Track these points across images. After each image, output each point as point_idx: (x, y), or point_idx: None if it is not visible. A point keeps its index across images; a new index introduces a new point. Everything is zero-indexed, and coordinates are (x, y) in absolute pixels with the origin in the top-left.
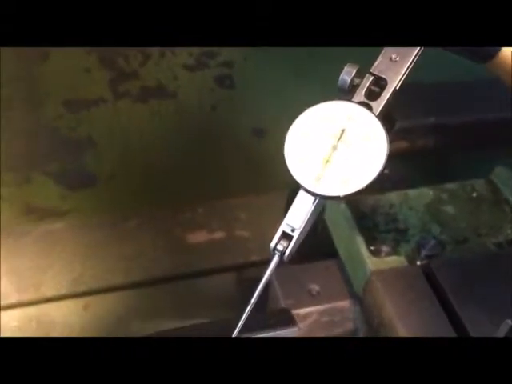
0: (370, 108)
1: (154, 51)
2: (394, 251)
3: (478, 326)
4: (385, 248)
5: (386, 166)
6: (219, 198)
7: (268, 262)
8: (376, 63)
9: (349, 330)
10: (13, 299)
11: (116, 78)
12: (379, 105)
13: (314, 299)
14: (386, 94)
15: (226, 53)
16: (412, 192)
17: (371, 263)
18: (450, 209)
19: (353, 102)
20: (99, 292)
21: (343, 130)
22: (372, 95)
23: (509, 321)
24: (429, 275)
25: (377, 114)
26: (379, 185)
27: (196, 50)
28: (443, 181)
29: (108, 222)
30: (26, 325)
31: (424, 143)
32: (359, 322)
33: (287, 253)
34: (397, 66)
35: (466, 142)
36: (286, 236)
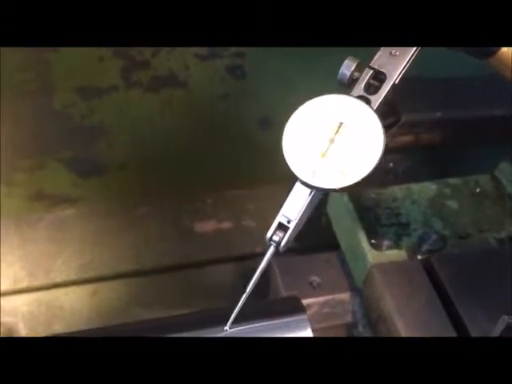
0: (368, 102)
1: None
2: (396, 245)
3: (476, 322)
4: (386, 241)
5: (383, 160)
6: (227, 187)
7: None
8: (376, 57)
9: (348, 321)
10: (24, 284)
11: (128, 67)
12: (378, 99)
13: (314, 291)
14: (385, 88)
15: None
16: (415, 186)
17: (372, 256)
18: (452, 204)
19: (351, 95)
20: (107, 279)
21: (341, 124)
22: (371, 89)
23: (506, 317)
24: (429, 270)
25: (375, 108)
26: (383, 178)
27: None
28: (448, 175)
29: (118, 210)
30: (36, 309)
31: (430, 137)
32: (359, 315)
33: (283, 243)
34: (396, 60)
35: (471, 136)
36: (282, 227)
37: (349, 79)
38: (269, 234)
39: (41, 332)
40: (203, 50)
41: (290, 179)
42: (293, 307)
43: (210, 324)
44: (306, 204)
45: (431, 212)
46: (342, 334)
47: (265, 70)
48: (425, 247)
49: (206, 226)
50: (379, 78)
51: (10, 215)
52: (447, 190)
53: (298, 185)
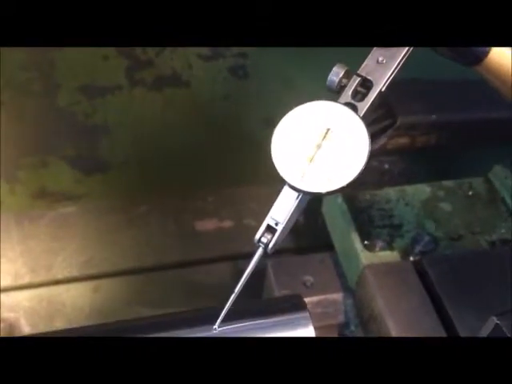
0: (355, 109)
1: None
2: (388, 246)
3: (466, 322)
4: (379, 243)
5: (366, 167)
6: (229, 186)
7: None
8: (363, 65)
9: (341, 322)
10: (25, 280)
11: (132, 66)
12: (364, 106)
13: (308, 291)
14: (372, 96)
15: None
16: (409, 188)
17: (364, 257)
18: (445, 206)
19: (338, 102)
20: (109, 275)
21: (328, 130)
22: (359, 96)
23: (494, 318)
24: (420, 271)
25: (361, 114)
26: (379, 179)
27: None
28: (444, 177)
29: (119, 208)
30: (37, 305)
31: (425, 140)
32: (351, 315)
33: (271, 245)
34: (383, 68)
35: (467, 139)
36: (270, 229)
37: (337, 86)
38: (257, 236)
39: (42, 328)
40: (206, 50)
41: None
42: (295, 305)
43: (200, 323)
44: (293, 207)
45: (424, 214)
46: (334, 333)
47: (267, 71)
48: (417, 248)
49: (208, 225)
50: (366, 85)
51: (12, 212)
52: (441, 193)
53: (286, 188)
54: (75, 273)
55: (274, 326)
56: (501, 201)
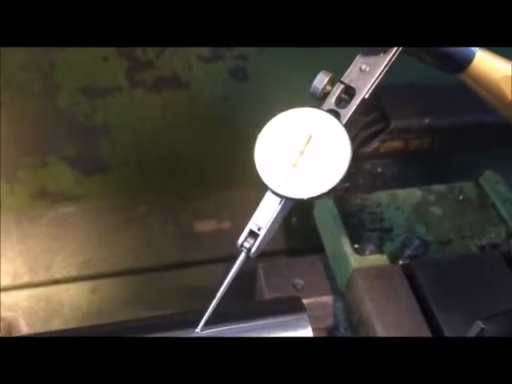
0: (338, 116)
1: None
2: (379, 250)
3: (453, 326)
4: (369, 246)
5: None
6: (228, 187)
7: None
8: (347, 72)
9: (330, 325)
10: (25, 279)
11: (132, 67)
12: (347, 113)
13: (298, 293)
14: (355, 103)
15: None
16: (400, 192)
17: (354, 261)
18: (436, 210)
19: (321, 109)
20: (107, 276)
21: (310, 136)
22: (342, 103)
23: (479, 322)
24: (409, 275)
25: (344, 122)
26: (372, 182)
27: None
28: (437, 181)
29: (119, 208)
30: (36, 305)
31: (418, 143)
32: (341, 317)
33: (253, 250)
34: (366, 76)
35: (460, 143)
36: (253, 234)
37: (321, 93)
38: (240, 241)
39: (40, 327)
40: (206, 52)
41: None
42: (293, 306)
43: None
44: (276, 212)
45: (415, 218)
46: (323, 335)
47: (267, 73)
48: (407, 252)
49: (207, 226)
50: (350, 92)
51: (12, 212)
52: (431, 197)
53: (268, 194)
54: (74, 273)
55: (273, 328)
56: (491, 205)
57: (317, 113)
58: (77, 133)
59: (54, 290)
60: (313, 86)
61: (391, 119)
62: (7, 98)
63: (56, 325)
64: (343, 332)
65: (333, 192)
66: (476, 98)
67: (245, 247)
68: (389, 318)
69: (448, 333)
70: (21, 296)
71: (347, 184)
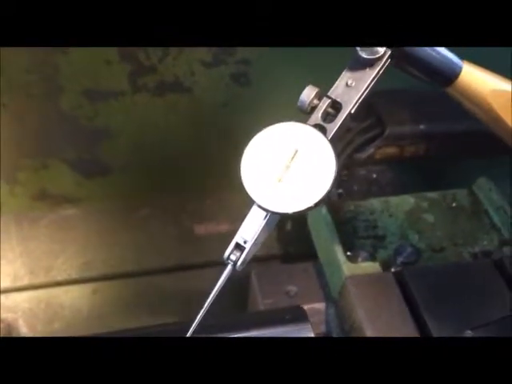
0: (324, 130)
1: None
2: (372, 257)
3: (444, 334)
4: (362, 254)
5: (333, 187)
6: (229, 191)
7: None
8: (333, 87)
9: (323, 331)
10: (25, 281)
11: (135, 72)
12: (333, 128)
13: (291, 300)
14: (341, 118)
15: (244, 50)
16: (393, 199)
17: (346, 268)
18: (429, 217)
19: (307, 124)
20: (108, 278)
21: (296, 151)
22: (329, 118)
23: (468, 331)
24: (401, 282)
25: (330, 136)
26: (367, 189)
27: (214, 47)
28: (433, 188)
29: (119, 211)
30: (36, 307)
31: (414, 150)
32: (333, 324)
33: (239, 263)
34: (352, 91)
35: (455, 149)
36: (239, 247)
37: (307, 107)
38: (226, 254)
39: (40, 329)
40: (209, 57)
41: None
42: (296, 316)
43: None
44: (261, 226)
45: (408, 225)
46: None
47: (269, 78)
48: (399, 260)
49: (207, 228)
50: (336, 107)
51: (12, 214)
52: (424, 204)
53: (254, 207)
54: (74, 275)
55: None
56: (484, 213)
57: (302, 127)
58: (78, 135)
59: (54, 292)
60: (300, 100)
61: (386, 125)
62: (9, 99)
63: (56, 327)
64: None
65: (318, 206)
66: None
67: (231, 260)
68: (380, 326)
69: None
70: (21, 298)
71: (341, 190)
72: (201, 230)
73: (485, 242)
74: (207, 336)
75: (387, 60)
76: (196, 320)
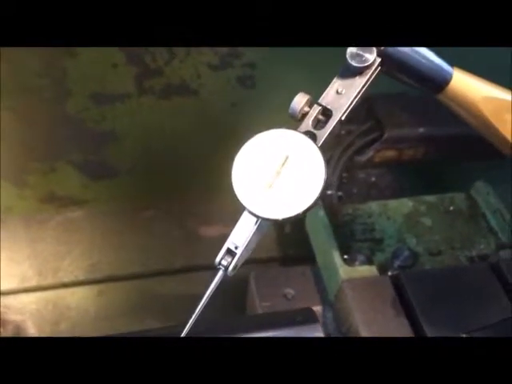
0: (314, 137)
1: (180, 50)
2: (369, 261)
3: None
4: (359, 257)
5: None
6: (234, 193)
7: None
8: (323, 95)
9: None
10: (33, 283)
11: (141, 75)
12: (323, 134)
13: (289, 303)
14: (331, 125)
15: (250, 54)
16: (392, 202)
17: (343, 271)
18: (426, 221)
19: (298, 131)
20: (114, 280)
21: (287, 157)
22: (319, 124)
23: (464, 335)
24: (398, 286)
25: (320, 143)
26: (366, 192)
27: (221, 50)
28: (431, 190)
29: (125, 213)
30: (44, 308)
31: (413, 153)
32: (331, 328)
33: (230, 268)
34: (342, 98)
35: (454, 153)
36: (230, 252)
37: (299, 114)
38: (218, 259)
39: (47, 331)
40: (215, 60)
41: None
42: (306, 318)
43: None
44: (252, 232)
45: (405, 228)
46: None
47: (275, 81)
48: (396, 263)
49: (212, 230)
50: (327, 114)
51: (21, 216)
52: (422, 207)
53: (245, 213)
54: (81, 276)
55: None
56: (481, 216)
57: (293, 134)
58: (85, 138)
59: (61, 294)
60: (291, 108)
61: (385, 129)
62: (18, 103)
63: (63, 328)
64: None
65: (308, 212)
66: None
67: (222, 265)
68: (376, 329)
69: None
70: (29, 299)
71: (341, 193)
72: (206, 232)
73: (482, 246)
74: (215, 336)
75: (377, 68)
76: (188, 323)
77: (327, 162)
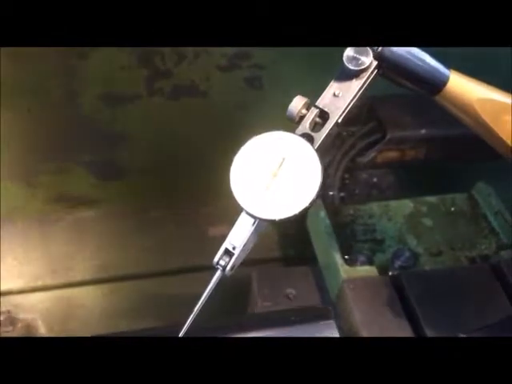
0: (311, 139)
1: (189, 52)
2: (370, 261)
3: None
4: (360, 257)
5: (318, 196)
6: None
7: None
8: (321, 97)
9: None
10: (43, 282)
11: (152, 76)
12: (320, 136)
13: (290, 303)
14: (328, 127)
15: (258, 55)
16: (393, 203)
17: (344, 272)
18: (427, 221)
19: (295, 134)
20: (123, 279)
21: (283, 159)
22: (317, 127)
23: (462, 335)
24: (398, 286)
25: (317, 145)
26: (368, 192)
27: (229, 52)
28: (433, 191)
29: (135, 213)
30: (54, 307)
31: (414, 154)
32: None
33: (228, 268)
34: (339, 101)
35: (456, 154)
36: (228, 252)
37: (296, 117)
38: (216, 259)
39: (58, 329)
40: (224, 61)
41: None
42: (320, 314)
43: None
44: (250, 232)
45: (406, 229)
46: None
47: (282, 82)
48: (397, 263)
49: (220, 230)
50: (324, 116)
51: (32, 216)
52: (423, 208)
53: (243, 214)
54: (91, 275)
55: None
56: (482, 217)
57: (290, 137)
58: (96, 139)
59: (71, 293)
60: (288, 111)
61: (387, 130)
62: (31, 104)
63: (73, 327)
64: None
65: (304, 213)
66: None
67: (220, 265)
68: (375, 329)
69: None
70: (39, 298)
71: (343, 194)
72: (214, 232)
73: (483, 247)
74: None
75: (373, 71)
76: (187, 323)
77: (329, 163)
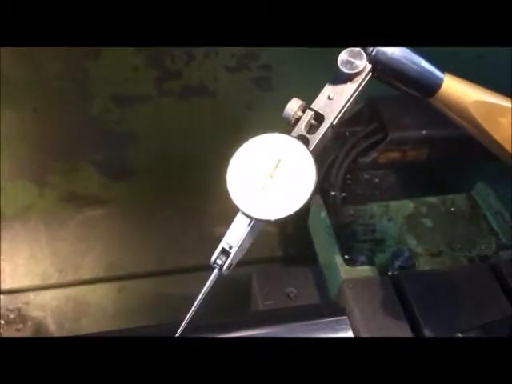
0: (306, 141)
1: (198, 52)
2: (369, 261)
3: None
4: (360, 257)
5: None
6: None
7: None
8: (316, 100)
9: None
10: (53, 280)
11: (161, 77)
12: (316, 138)
13: (291, 302)
14: (323, 129)
15: (267, 56)
16: (393, 203)
17: (343, 271)
18: (427, 222)
19: (290, 135)
20: (133, 277)
21: (279, 161)
22: (312, 129)
23: (459, 334)
24: (398, 286)
25: (312, 146)
26: (369, 193)
27: (238, 52)
28: (434, 192)
29: (144, 212)
30: (64, 305)
31: (416, 154)
32: None
33: (225, 267)
34: (333, 104)
35: (457, 154)
36: (225, 252)
37: (292, 119)
38: (213, 258)
39: (67, 327)
40: (232, 62)
41: None
42: (334, 310)
43: None
44: (246, 232)
45: (406, 229)
46: None
47: (290, 83)
48: (396, 264)
49: (226, 230)
50: (319, 119)
51: (42, 215)
52: (423, 208)
53: (239, 214)
54: (100, 274)
55: (314, 330)
56: (482, 217)
57: (285, 138)
58: (106, 139)
59: (81, 291)
60: (284, 113)
61: (389, 130)
62: (41, 104)
63: (83, 324)
64: None
65: (299, 213)
66: None
67: (217, 264)
68: (375, 329)
69: None
70: (49, 296)
71: (345, 194)
72: (221, 232)
73: (482, 247)
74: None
75: (368, 74)
76: (184, 322)
77: (331, 163)
